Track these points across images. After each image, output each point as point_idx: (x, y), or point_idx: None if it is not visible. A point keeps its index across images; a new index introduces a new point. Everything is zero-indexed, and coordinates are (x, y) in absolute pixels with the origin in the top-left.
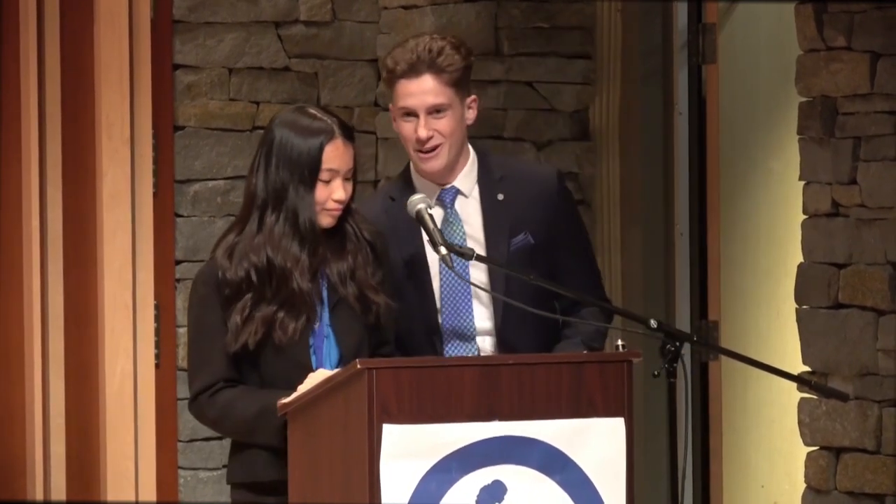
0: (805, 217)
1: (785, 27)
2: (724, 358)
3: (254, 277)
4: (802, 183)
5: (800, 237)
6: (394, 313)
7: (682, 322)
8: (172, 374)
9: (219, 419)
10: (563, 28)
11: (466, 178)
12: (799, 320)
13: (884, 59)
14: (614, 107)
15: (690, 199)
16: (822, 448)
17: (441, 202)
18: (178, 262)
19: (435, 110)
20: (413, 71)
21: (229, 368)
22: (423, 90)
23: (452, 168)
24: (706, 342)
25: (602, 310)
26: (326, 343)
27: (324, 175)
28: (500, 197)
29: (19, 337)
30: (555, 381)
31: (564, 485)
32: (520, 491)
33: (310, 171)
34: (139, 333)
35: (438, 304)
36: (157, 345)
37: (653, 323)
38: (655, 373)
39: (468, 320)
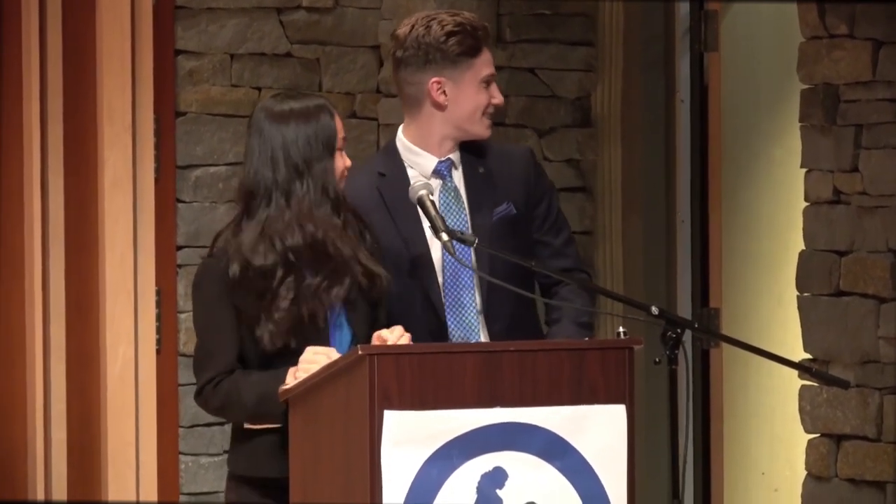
0: (807, 204)
1: (787, 15)
2: (725, 345)
3: (291, 257)
4: (804, 170)
5: (801, 225)
6: (391, 285)
7: (684, 309)
8: (174, 360)
9: (224, 406)
10: (565, 15)
11: (455, 152)
12: (800, 308)
13: (886, 46)
14: (616, 94)
15: (692, 186)
16: (822, 435)
17: (439, 174)
18: (179, 248)
19: None
20: (487, 41)
21: (234, 360)
22: (492, 60)
23: None
24: (707, 329)
25: (583, 285)
26: (339, 323)
27: (340, 144)
28: (481, 170)
29: (20, 323)
30: (556, 368)
31: (565, 471)
32: (521, 477)
33: (332, 142)
34: (140, 319)
35: (441, 279)
36: (159, 330)
37: (654, 310)
38: (657, 360)
39: (470, 294)
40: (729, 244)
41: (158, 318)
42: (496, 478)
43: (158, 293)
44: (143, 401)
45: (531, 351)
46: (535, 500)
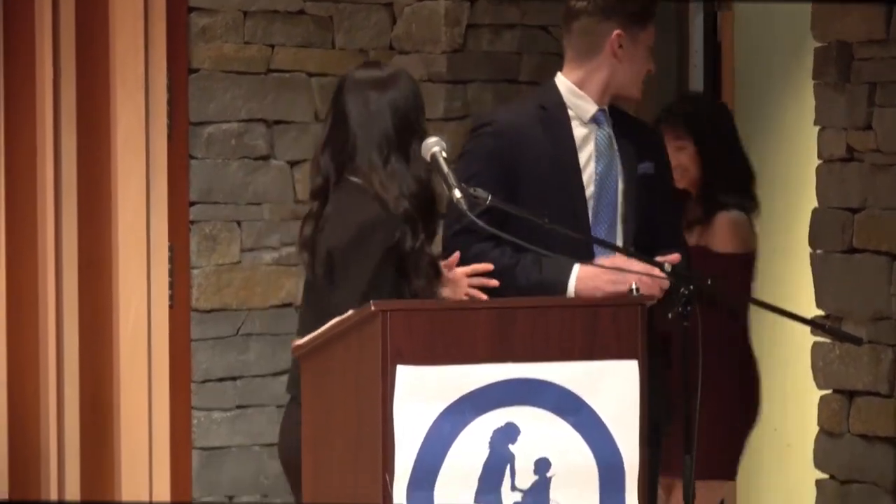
0: (820, 162)
1: None
2: None
3: (417, 209)
4: (818, 128)
5: (814, 182)
6: None
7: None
8: (186, 315)
9: None
10: None
11: (606, 106)
12: (813, 265)
13: None
14: None
15: None
16: (835, 391)
17: (596, 120)
18: (192, 204)
19: None
20: None
21: None
22: None
23: None
24: (720, 287)
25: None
26: None
27: None
28: (625, 128)
29: (34, 279)
30: (568, 324)
31: (578, 427)
32: (533, 433)
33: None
34: (153, 275)
35: (590, 208)
36: (171, 286)
37: (667, 266)
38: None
39: (614, 227)
40: None
41: (171, 273)
42: (508, 433)
43: (171, 249)
44: (156, 356)
45: (544, 307)
46: (547, 456)
